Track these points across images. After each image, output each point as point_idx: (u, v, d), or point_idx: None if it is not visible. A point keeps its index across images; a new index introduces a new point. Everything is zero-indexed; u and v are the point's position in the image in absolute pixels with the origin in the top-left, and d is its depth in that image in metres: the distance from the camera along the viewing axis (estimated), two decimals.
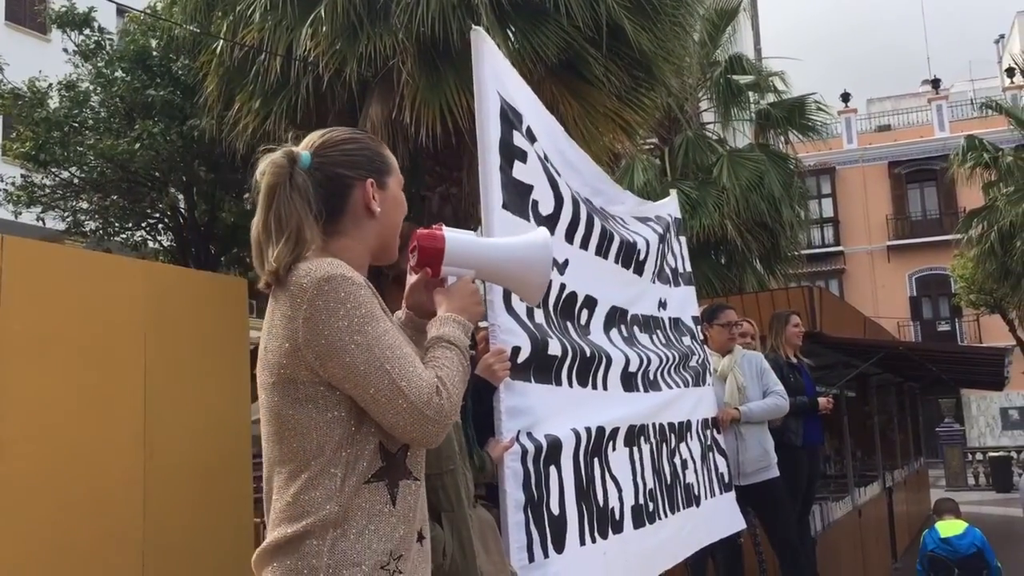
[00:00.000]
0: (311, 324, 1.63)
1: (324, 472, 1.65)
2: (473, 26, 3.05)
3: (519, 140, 3.05)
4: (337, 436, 1.66)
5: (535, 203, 3.13)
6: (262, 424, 1.74)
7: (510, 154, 2.98)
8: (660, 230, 4.56)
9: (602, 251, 3.71)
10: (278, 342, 1.67)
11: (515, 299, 2.95)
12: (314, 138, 1.84)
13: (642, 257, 4.16)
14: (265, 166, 1.75)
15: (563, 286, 3.33)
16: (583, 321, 3.53)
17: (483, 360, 2.79)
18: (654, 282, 4.41)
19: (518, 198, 3.02)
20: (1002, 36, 40.03)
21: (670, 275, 4.71)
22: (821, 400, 6.14)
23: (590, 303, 3.58)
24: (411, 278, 1.99)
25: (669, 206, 5.05)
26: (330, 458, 1.66)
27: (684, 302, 4.86)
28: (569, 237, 3.42)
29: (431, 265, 1.91)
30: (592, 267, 3.63)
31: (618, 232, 3.87)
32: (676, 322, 4.64)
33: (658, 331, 4.33)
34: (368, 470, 1.68)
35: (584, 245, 3.53)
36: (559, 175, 3.40)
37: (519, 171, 3.02)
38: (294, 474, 1.67)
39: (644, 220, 4.48)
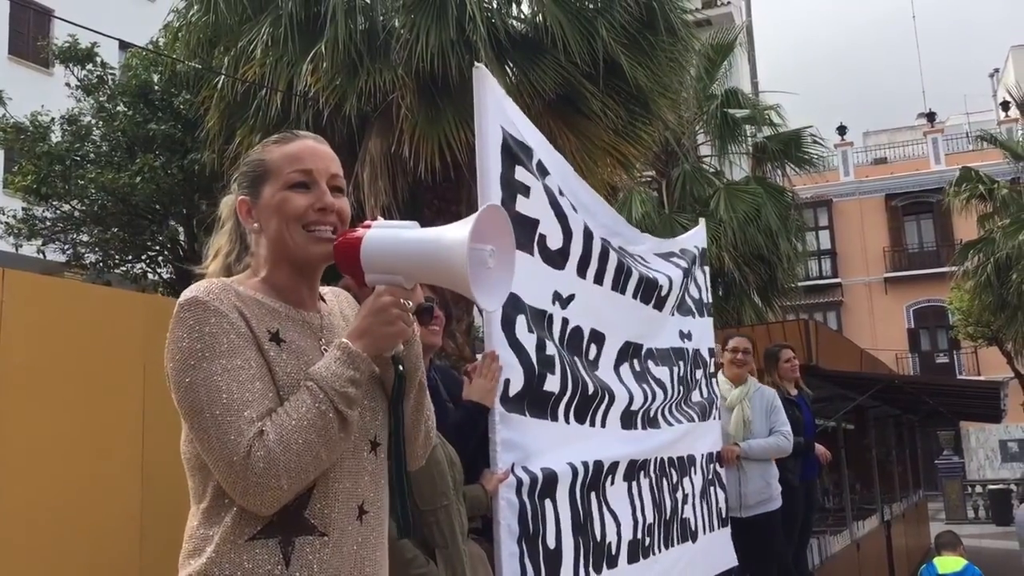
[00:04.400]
0: (166, 352, 1.53)
1: (210, 516, 1.54)
2: (476, 63, 3.06)
3: (521, 174, 3.06)
4: (216, 478, 1.51)
5: (542, 237, 3.14)
6: None
7: (512, 188, 3.00)
8: (685, 264, 4.56)
9: (619, 286, 3.71)
10: None
11: (520, 332, 2.95)
12: None
13: (664, 293, 4.15)
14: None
15: (566, 320, 3.32)
16: (592, 356, 3.53)
17: (475, 384, 2.80)
18: (673, 314, 4.41)
19: (521, 232, 3.03)
20: (997, 70, 40.41)
21: (692, 306, 4.70)
22: (819, 448, 6.25)
23: (597, 338, 3.57)
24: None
25: (696, 237, 5.05)
26: (214, 498, 1.54)
27: (704, 333, 4.86)
28: (581, 272, 3.42)
29: (352, 272, 1.57)
30: (606, 302, 3.63)
31: (637, 268, 3.87)
32: (696, 353, 4.65)
33: (680, 362, 4.33)
34: (252, 521, 1.49)
35: (599, 280, 3.54)
36: (576, 211, 3.41)
37: (522, 205, 3.04)
38: (193, 511, 1.59)
39: (668, 256, 4.48)
